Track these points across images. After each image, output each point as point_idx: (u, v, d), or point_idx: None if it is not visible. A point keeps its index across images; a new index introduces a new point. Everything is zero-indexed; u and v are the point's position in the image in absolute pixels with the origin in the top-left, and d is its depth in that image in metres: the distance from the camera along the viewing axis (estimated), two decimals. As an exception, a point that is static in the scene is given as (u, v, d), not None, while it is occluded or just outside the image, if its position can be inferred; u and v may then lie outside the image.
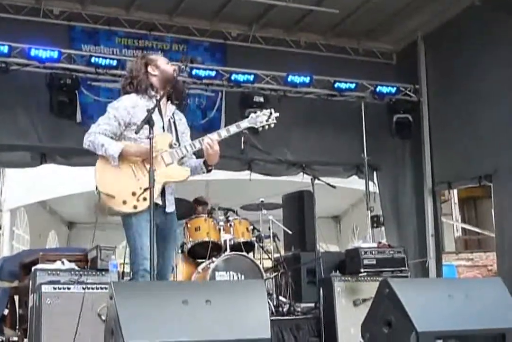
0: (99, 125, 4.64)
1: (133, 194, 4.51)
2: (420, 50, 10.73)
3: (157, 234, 4.54)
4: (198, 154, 4.85)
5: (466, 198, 18.02)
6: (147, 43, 9.90)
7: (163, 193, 4.65)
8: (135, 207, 4.51)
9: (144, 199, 4.47)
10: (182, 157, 4.70)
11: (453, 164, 10.10)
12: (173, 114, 4.86)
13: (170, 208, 4.73)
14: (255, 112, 4.88)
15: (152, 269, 4.24)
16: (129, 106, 4.66)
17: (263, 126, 4.80)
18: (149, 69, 4.78)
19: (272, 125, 4.80)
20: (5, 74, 8.67)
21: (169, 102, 4.87)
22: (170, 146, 4.66)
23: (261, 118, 4.79)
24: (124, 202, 4.52)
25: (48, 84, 8.94)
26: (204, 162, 4.76)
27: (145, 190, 4.43)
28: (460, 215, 18.25)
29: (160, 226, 4.61)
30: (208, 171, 4.82)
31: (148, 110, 4.43)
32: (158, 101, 4.57)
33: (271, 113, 4.81)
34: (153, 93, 4.74)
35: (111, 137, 4.62)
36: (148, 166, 4.44)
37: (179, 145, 4.71)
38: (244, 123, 4.77)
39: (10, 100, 8.99)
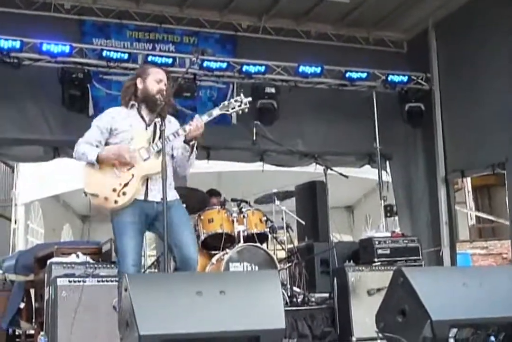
0: (84, 137, 4.94)
1: (114, 190, 4.73)
2: (431, 38, 10.68)
3: (156, 227, 4.80)
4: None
5: (480, 186, 17.96)
6: (157, 36, 9.91)
7: (146, 186, 4.82)
8: (116, 202, 4.73)
9: (124, 193, 4.72)
10: (159, 151, 4.76)
11: (466, 152, 10.07)
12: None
13: (157, 197, 4.76)
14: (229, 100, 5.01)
15: (166, 261, 4.28)
16: (110, 116, 4.95)
17: (236, 112, 4.96)
18: (138, 81, 4.98)
19: (246, 110, 4.94)
20: (17, 69, 8.71)
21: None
22: (149, 143, 4.85)
23: (232, 104, 4.92)
24: (106, 198, 4.75)
25: (60, 79, 8.97)
26: (184, 141, 4.86)
27: (125, 185, 4.72)
28: (474, 203, 18.20)
29: (152, 217, 4.80)
30: (192, 148, 4.86)
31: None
32: (138, 108, 4.93)
33: (241, 100, 4.94)
34: (133, 102, 4.97)
35: (96, 145, 4.87)
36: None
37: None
38: (216, 111, 4.91)
39: (22, 95, 9.04)
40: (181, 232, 4.75)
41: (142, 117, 4.93)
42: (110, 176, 4.79)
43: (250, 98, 5.00)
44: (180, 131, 4.80)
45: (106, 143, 4.91)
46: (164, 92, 4.88)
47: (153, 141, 4.84)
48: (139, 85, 4.95)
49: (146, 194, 4.81)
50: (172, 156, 4.97)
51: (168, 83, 5.00)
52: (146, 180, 4.81)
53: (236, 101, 4.94)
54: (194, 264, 4.77)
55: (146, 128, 4.90)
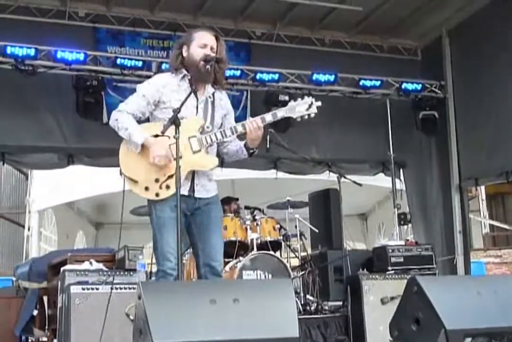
0: (127, 104, 4.47)
1: (156, 180, 4.29)
2: (445, 46, 10.66)
3: (189, 223, 4.44)
4: (242, 137, 4.56)
5: (494, 194, 17.90)
6: (172, 44, 9.88)
7: (192, 180, 4.40)
8: (157, 195, 4.30)
9: (167, 187, 4.26)
10: (211, 145, 4.42)
11: (479, 160, 10.02)
12: (213, 94, 4.58)
13: (203, 193, 4.45)
14: (296, 100, 4.48)
15: (179, 268, 4.09)
16: (159, 85, 4.47)
17: (301, 117, 4.46)
18: (183, 49, 4.52)
19: (313, 115, 4.43)
20: (32, 76, 8.74)
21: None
22: (203, 131, 4.40)
23: (300, 107, 4.43)
24: (147, 188, 4.30)
25: (75, 86, 9.01)
26: (245, 145, 4.50)
27: (169, 177, 4.24)
28: (487, 211, 18.13)
29: (193, 212, 4.44)
30: (250, 155, 4.51)
31: (174, 110, 4.14)
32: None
33: (312, 103, 4.44)
34: (184, 72, 4.51)
35: (139, 117, 4.44)
36: (174, 152, 4.13)
37: (213, 129, 4.45)
38: (281, 112, 4.45)
39: (37, 102, 9.10)
40: (211, 233, 4.46)
41: (194, 92, 4.38)
42: (152, 163, 4.27)
43: (319, 102, 4.46)
44: (239, 128, 4.39)
45: (149, 115, 4.49)
46: (211, 58, 4.40)
47: (203, 129, 4.38)
48: (185, 53, 4.50)
49: (192, 190, 4.40)
50: (222, 143, 4.55)
51: (219, 44, 4.56)
52: (193, 173, 4.37)
53: (304, 103, 4.44)
54: (219, 266, 4.55)
55: (197, 107, 4.43)
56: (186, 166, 4.25)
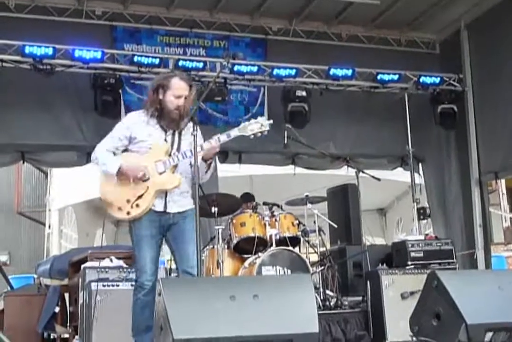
0: (102, 142, 5.06)
1: (128, 201, 4.84)
2: (464, 39, 10.58)
3: (167, 236, 4.94)
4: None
5: (514, 187, 17.75)
6: (188, 41, 9.94)
7: (165, 197, 4.90)
8: (128, 213, 4.85)
9: (137, 206, 4.81)
10: (175, 166, 4.91)
11: (499, 154, 9.95)
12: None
13: (174, 208, 4.93)
14: (249, 120, 5.03)
15: (199, 268, 4.42)
16: (129, 123, 5.05)
17: (254, 134, 4.97)
18: (159, 91, 5.00)
19: (266, 133, 4.97)
20: (50, 75, 8.79)
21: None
22: (169, 156, 4.91)
23: (252, 126, 4.96)
24: (119, 208, 4.86)
25: (93, 84, 9.05)
26: (203, 158, 4.92)
27: (139, 197, 4.81)
28: (508, 205, 17.99)
29: (166, 227, 4.93)
30: (209, 165, 4.99)
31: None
32: (158, 117, 4.96)
33: (262, 122, 4.97)
34: (152, 111, 5.01)
35: (114, 151, 4.99)
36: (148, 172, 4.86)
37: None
38: (234, 132, 4.94)
39: (55, 101, 9.14)
40: (185, 245, 4.87)
41: (162, 127, 4.99)
42: (125, 186, 4.86)
43: (271, 121, 4.99)
44: (198, 149, 4.81)
45: (125, 149, 5.03)
46: (182, 108, 4.93)
47: (170, 155, 4.91)
48: (160, 95, 4.99)
49: (165, 206, 4.91)
50: (191, 165, 4.99)
51: (190, 93, 5.01)
52: (165, 192, 4.89)
53: (256, 122, 4.96)
54: (193, 270, 4.83)
55: (165, 139, 4.97)
56: (154, 186, 4.85)
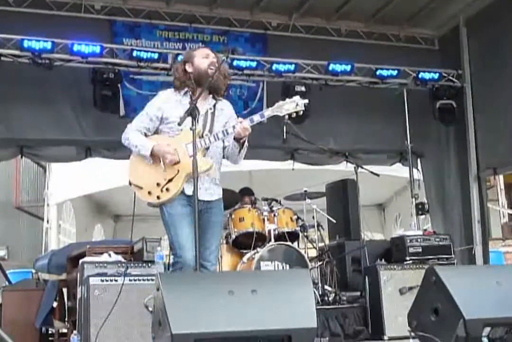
0: (133, 123, 4.96)
1: (158, 184, 4.72)
2: (463, 35, 10.58)
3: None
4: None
5: (512, 183, 17.78)
6: (187, 36, 9.92)
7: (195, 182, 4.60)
8: (158, 197, 4.72)
9: (167, 190, 4.69)
10: (207, 148, 4.78)
11: (498, 150, 9.96)
12: (214, 105, 4.97)
13: (204, 195, 4.77)
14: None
15: (197, 259, 4.30)
16: (160, 103, 4.92)
17: (289, 115, 4.74)
18: (186, 66, 4.94)
19: (301, 113, 4.75)
20: (49, 70, 8.77)
21: (210, 95, 4.98)
22: (201, 138, 4.71)
23: (288, 105, 4.74)
24: (149, 193, 4.75)
25: (92, 79, 9.04)
26: (234, 138, 4.80)
27: (169, 180, 4.68)
28: (506, 200, 18.03)
29: (199, 214, 4.57)
30: (242, 145, 4.82)
31: (190, 103, 4.61)
32: (193, 99, 4.69)
33: (297, 101, 4.74)
34: (186, 89, 4.91)
35: (145, 133, 4.90)
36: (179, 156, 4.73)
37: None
38: (268, 112, 4.78)
39: (54, 96, 9.12)
40: (208, 236, 4.77)
41: (196, 106, 4.68)
42: (156, 170, 4.75)
43: (306, 100, 4.75)
44: (230, 130, 4.72)
45: (156, 130, 4.93)
46: (216, 64, 4.84)
47: (202, 136, 4.73)
48: (189, 69, 4.92)
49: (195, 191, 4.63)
50: (224, 148, 4.95)
51: (218, 59, 4.92)
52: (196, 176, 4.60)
53: (292, 102, 4.74)
54: (211, 267, 4.79)
55: (198, 119, 4.70)
56: (185, 169, 4.67)
